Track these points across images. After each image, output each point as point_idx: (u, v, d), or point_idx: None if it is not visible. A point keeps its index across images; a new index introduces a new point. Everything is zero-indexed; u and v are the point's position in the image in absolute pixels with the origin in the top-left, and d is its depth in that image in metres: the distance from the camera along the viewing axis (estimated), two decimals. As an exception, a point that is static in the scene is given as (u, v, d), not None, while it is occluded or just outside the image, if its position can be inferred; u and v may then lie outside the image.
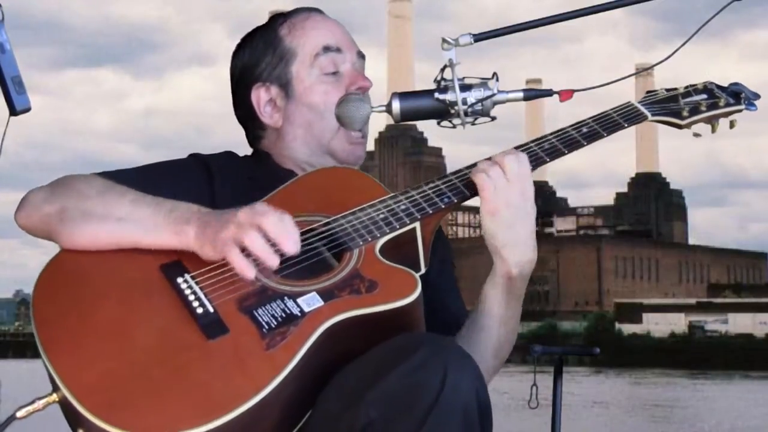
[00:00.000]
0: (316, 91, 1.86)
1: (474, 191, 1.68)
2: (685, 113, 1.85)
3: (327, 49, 1.87)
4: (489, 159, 1.68)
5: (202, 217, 1.54)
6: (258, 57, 1.90)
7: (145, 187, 1.63)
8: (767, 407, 28.00)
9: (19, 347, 74.72)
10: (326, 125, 1.84)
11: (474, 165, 1.71)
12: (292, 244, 1.47)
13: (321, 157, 1.87)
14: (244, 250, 1.48)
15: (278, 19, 1.93)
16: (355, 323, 1.47)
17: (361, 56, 1.91)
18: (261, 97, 1.89)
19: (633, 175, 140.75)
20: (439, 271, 1.82)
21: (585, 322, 72.17)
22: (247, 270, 1.47)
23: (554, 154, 1.73)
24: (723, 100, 1.87)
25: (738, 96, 1.88)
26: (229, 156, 1.88)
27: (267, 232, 1.47)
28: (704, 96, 1.87)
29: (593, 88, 1.77)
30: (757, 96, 1.89)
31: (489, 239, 1.68)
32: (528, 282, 1.72)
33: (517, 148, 1.73)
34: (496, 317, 1.71)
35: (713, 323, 67.88)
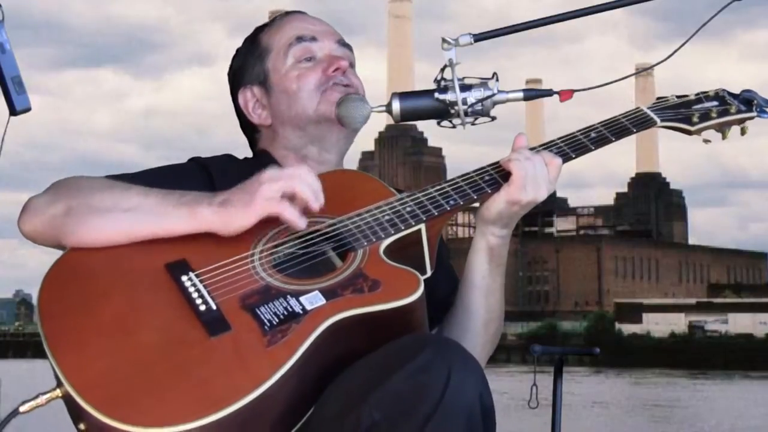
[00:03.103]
0: (289, 77, 1.87)
1: (480, 194, 1.68)
2: (695, 119, 1.84)
3: (300, 39, 1.88)
4: (524, 152, 1.69)
5: (216, 196, 1.56)
6: (242, 62, 1.93)
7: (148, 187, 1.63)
8: (767, 407, 28.01)
9: (19, 347, 74.85)
10: (305, 102, 1.85)
11: (480, 169, 1.72)
12: (321, 196, 1.56)
13: (316, 129, 1.86)
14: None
15: (262, 26, 1.97)
16: (356, 322, 1.47)
17: (344, 44, 1.92)
18: (247, 99, 1.91)
19: (633, 175, 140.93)
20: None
21: (585, 322, 72.24)
22: (300, 220, 1.54)
23: (562, 158, 1.74)
24: (734, 107, 1.86)
25: (750, 103, 1.87)
26: (228, 159, 1.88)
27: (309, 183, 1.55)
28: (715, 103, 1.87)
29: (593, 88, 1.78)
30: None
31: (487, 216, 1.72)
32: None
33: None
34: (480, 288, 1.76)
35: (713, 323, 67.95)
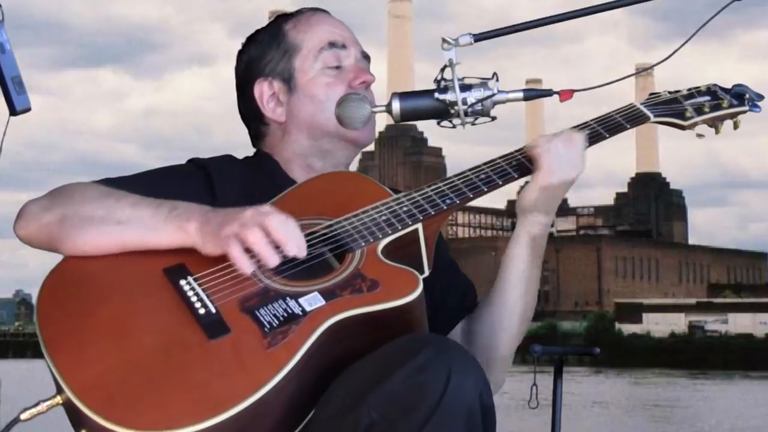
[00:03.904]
0: (318, 83, 1.86)
1: (475, 193, 1.69)
2: (688, 114, 1.85)
3: (332, 44, 1.87)
4: (545, 137, 1.72)
5: (204, 214, 1.55)
6: (262, 52, 1.90)
7: (144, 194, 1.63)
8: (767, 407, 27.99)
9: (19, 347, 74.82)
10: (329, 113, 1.83)
11: (476, 168, 1.72)
12: (294, 247, 1.49)
13: (329, 144, 1.86)
14: (248, 250, 1.49)
15: (284, 17, 1.95)
16: (356, 322, 1.47)
17: (366, 56, 1.92)
18: (264, 91, 1.89)
19: (633, 175, 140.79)
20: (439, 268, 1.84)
21: (585, 322, 72.18)
22: (245, 265, 1.48)
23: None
24: (726, 101, 1.87)
25: (741, 97, 1.88)
26: (229, 160, 1.88)
27: (271, 232, 1.49)
28: (707, 98, 1.88)
29: (593, 88, 1.78)
30: (761, 97, 1.89)
31: (526, 204, 1.75)
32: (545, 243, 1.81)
33: (517, 149, 1.76)
34: (521, 277, 1.78)
35: (713, 323, 67.91)
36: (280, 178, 1.84)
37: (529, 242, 1.78)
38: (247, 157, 1.92)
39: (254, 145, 1.95)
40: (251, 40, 1.93)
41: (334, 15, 1.95)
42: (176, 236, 1.55)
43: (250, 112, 1.92)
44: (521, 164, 1.73)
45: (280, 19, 1.94)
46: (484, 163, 1.73)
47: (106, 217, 1.58)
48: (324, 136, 1.85)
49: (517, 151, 1.76)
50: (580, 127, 1.79)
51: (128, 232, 1.56)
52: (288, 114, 1.87)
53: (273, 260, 1.48)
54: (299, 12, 1.95)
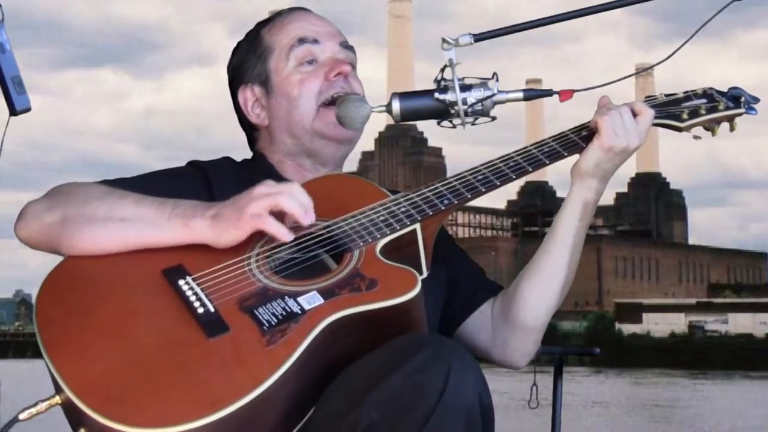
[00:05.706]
0: (291, 81, 1.87)
1: (473, 194, 1.69)
2: (684, 116, 1.86)
3: (302, 40, 1.88)
4: (608, 105, 1.76)
5: (209, 208, 1.56)
6: (242, 60, 1.93)
7: (144, 195, 1.63)
8: (767, 407, 28.00)
9: (19, 347, 74.86)
10: (304, 110, 1.85)
11: (472, 169, 1.72)
12: (312, 210, 1.54)
13: (310, 143, 1.87)
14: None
15: (263, 23, 1.97)
16: (355, 320, 1.47)
17: (346, 47, 1.91)
18: (247, 98, 1.91)
19: (633, 175, 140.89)
20: (454, 264, 1.89)
21: (585, 322, 72.16)
22: (285, 234, 1.52)
23: (554, 156, 1.76)
24: (722, 103, 1.88)
25: (737, 100, 1.89)
26: (227, 162, 1.89)
27: (296, 196, 1.53)
28: (704, 100, 1.88)
29: (593, 88, 1.78)
30: (756, 100, 1.90)
31: (584, 168, 1.77)
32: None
33: (515, 151, 1.77)
34: (568, 246, 1.81)
35: (713, 323, 67.93)
36: (275, 179, 1.85)
37: (582, 208, 1.80)
38: (245, 160, 1.94)
39: (250, 148, 1.97)
40: (234, 50, 1.96)
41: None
42: (181, 233, 1.55)
43: (241, 119, 1.95)
44: (518, 165, 1.74)
45: (259, 25, 1.96)
46: (482, 164, 1.74)
47: (109, 215, 1.58)
48: (304, 133, 1.86)
49: (514, 151, 1.76)
50: (579, 128, 1.79)
51: (131, 229, 1.57)
52: (270, 116, 1.89)
53: (308, 218, 1.53)
54: (278, 14, 1.96)
